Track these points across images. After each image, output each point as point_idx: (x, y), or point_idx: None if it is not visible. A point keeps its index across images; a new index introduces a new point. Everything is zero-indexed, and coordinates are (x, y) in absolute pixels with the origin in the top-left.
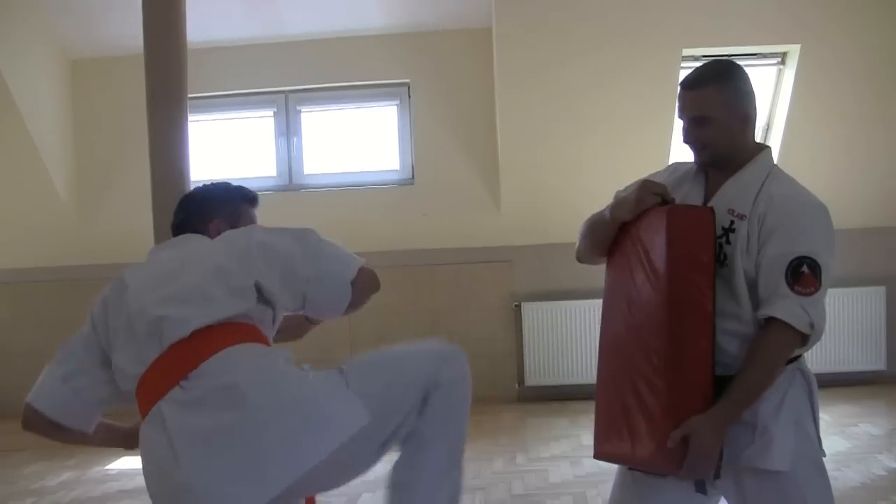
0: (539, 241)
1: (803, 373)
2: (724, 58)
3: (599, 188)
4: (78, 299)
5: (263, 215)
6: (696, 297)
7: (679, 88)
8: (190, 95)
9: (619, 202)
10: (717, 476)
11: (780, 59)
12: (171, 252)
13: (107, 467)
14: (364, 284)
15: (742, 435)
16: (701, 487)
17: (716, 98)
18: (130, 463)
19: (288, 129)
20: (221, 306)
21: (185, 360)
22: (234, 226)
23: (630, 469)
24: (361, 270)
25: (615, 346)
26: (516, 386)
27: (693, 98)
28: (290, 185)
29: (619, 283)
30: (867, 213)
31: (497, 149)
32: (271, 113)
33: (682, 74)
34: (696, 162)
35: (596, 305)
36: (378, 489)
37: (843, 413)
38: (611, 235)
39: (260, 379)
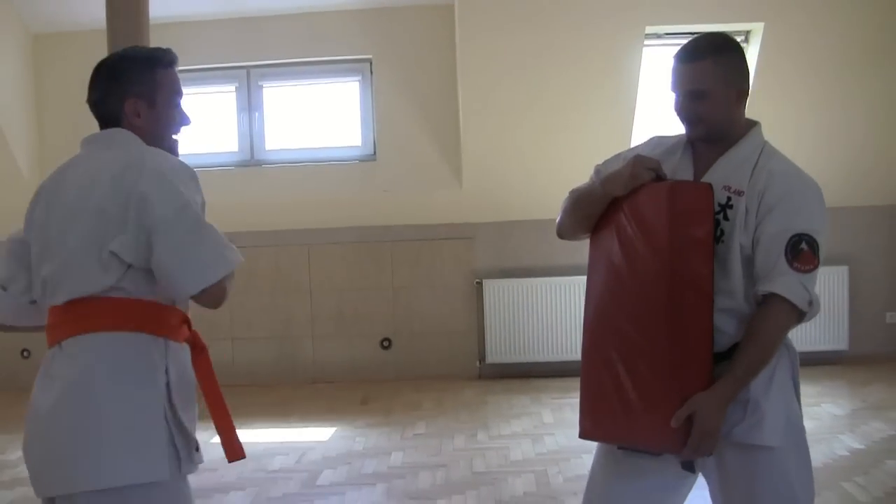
0: (500, 219)
1: (788, 348)
2: (722, 32)
3: (562, 165)
4: None
5: (225, 190)
6: (696, 274)
7: (673, 61)
8: None
9: (612, 177)
10: (709, 453)
11: (743, 38)
12: (81, 168)
13: None
14: (207, 300)
15: (734, 411)
16: (689, 465)
17: (712, 71)
18: None
19: (250, 105)
20: (92, 279)
21: (61, 327)
22: (151, 100)
23: (620, 448)
24: (213, 287)
25: (604, 322)
26: (477, 363)
27: (689, 71)
28: (252, 161)
29: (607, 260)
30: (829, 192)
31: (459, 125)
32: (233, 88)
33: (646, 52)
34: (687, 136)
35: (557, 283)
36: (338, 465)
37: (805, 393)
38: (600, 211)
39: (75, 390)
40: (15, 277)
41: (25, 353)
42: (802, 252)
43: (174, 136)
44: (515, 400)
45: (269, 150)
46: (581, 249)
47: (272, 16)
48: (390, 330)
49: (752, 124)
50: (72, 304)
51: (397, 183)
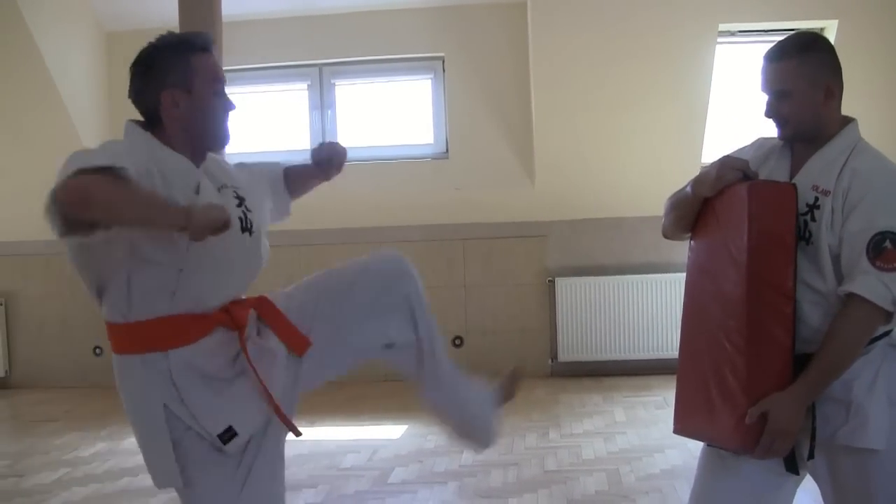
0: (573, 217)
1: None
2: (813, 30)
3: (634, 163)
4: None
5: None
6: (776, 275)
7: (762, 62)
8: (225, 68)
9: (700, 178)
10: (810, 456)
11: None
12: None
13: None
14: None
15: (836, 413)
16: (792, 467)
17: (797, 71)
18: None
19: (322, 102)
20: None
21: None
22: (189, 90)
23: (708, 446)
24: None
25: (697, 323)
26: (549, 361)
27: (775, 71)
28: None
29: (701, 260)
30: None
31: (531, 123)
32: (306, 86)
33: (719, 50)
34: (779, 137)
35: (630, 281)
36: (409, 463)
37: None
38: (693, 212)
39: None
40: None
41: (98, 351)
42: (885, 250)
43: (224, 123)
44: (587, 398)
45: None
46: (654, 247)
47: (344, 13)
48: (462, 328)
49: (847, 122)
50: None
51: (469, 181)
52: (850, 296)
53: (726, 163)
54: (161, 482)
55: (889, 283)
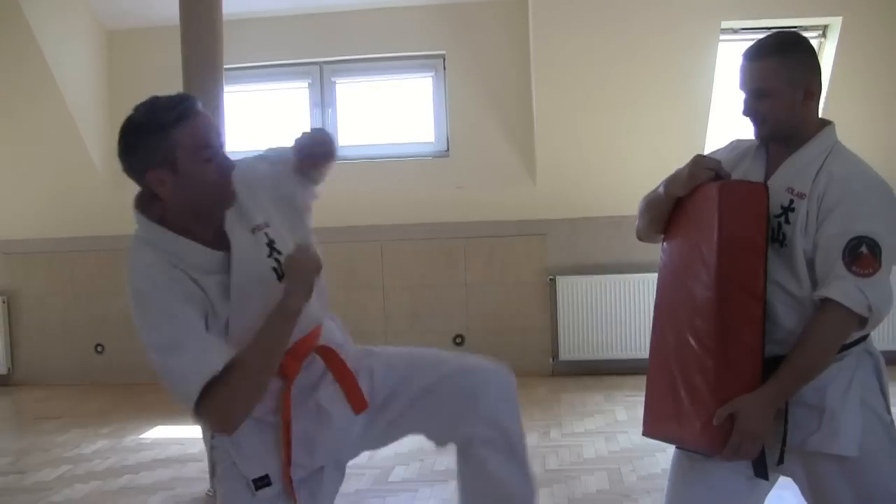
0: (574, 215)
1: (871, 353)
2: (790, 30)
3: (636, 161)
4: (113, 270)
5: None
6: (746, 276)
7: (741, 60)
8: (225, 66)
9: (673, 177)
10: (780, 462)
11: (821, 32)
12: None
13: (141, 436)
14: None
15: (809, 419)
16: (761, 472)
17: (777, 71)
18: (165, 432)
19: (323, 101)
20: None
21: None
22: (175, 168)
23: (677, 448)
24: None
25: (668, 324)
26: (550, 360)
27: (754, 70)
28: None
29: (673, 261)
30: None
31: (532, 122)
32: (306, 84)
33: (721, 48)
34: (755, 136)
35: (631, 279)
36: (410, 462)
37: None
38: (666, 212)
39: None
40: None
41: (99, 349)
42: (862, 255)
43: (222, 185)
44: (589, 397)
45: (341, 147)
46: (655, 246)
47: (345, 12)
48: (463, 327)
49: (825, 124)
50: None
51: (470, 179)
52: (826, 300)
53: (698, 162)
54: None
55: (865, 288)
